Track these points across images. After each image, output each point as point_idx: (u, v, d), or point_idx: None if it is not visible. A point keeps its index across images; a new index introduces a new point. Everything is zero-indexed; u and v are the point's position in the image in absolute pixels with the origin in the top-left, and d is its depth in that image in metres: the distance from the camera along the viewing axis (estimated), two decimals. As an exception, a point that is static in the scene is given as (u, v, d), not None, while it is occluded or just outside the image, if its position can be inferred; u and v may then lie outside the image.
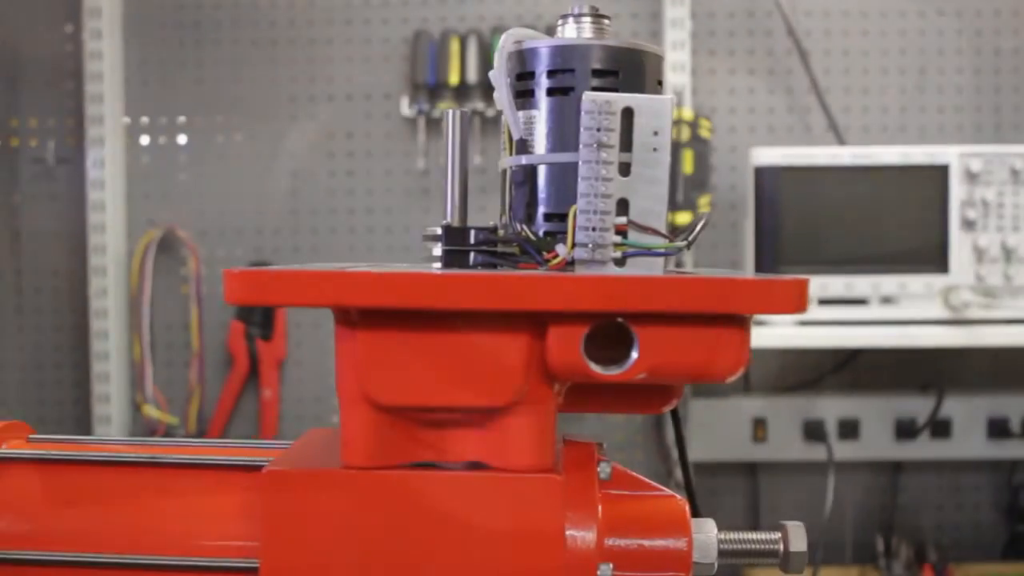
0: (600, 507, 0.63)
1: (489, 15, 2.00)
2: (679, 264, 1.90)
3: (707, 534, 0.64)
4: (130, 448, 0.69)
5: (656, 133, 0.59)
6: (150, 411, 2.00)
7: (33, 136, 2.05)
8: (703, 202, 1.84)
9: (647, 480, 0.67)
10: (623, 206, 0.59)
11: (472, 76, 1.94)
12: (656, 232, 0.59)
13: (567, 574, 0.59)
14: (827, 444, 1.85)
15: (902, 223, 1.66)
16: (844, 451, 1.88)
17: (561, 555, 0.58)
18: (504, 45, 0.63)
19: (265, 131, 2.03)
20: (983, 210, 1.64)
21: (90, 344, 1.97)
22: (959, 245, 1.64)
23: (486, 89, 1.92)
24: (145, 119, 2.04)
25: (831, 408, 1.89)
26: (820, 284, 1.65)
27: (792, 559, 0.66)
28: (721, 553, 0.65)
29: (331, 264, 0.62)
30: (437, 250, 0.61)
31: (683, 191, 1.83)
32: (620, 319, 0.54)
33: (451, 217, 0.61)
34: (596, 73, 0.61)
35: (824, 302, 1.65)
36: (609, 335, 0.55)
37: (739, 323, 0.53)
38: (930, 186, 1.65)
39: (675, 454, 1.89)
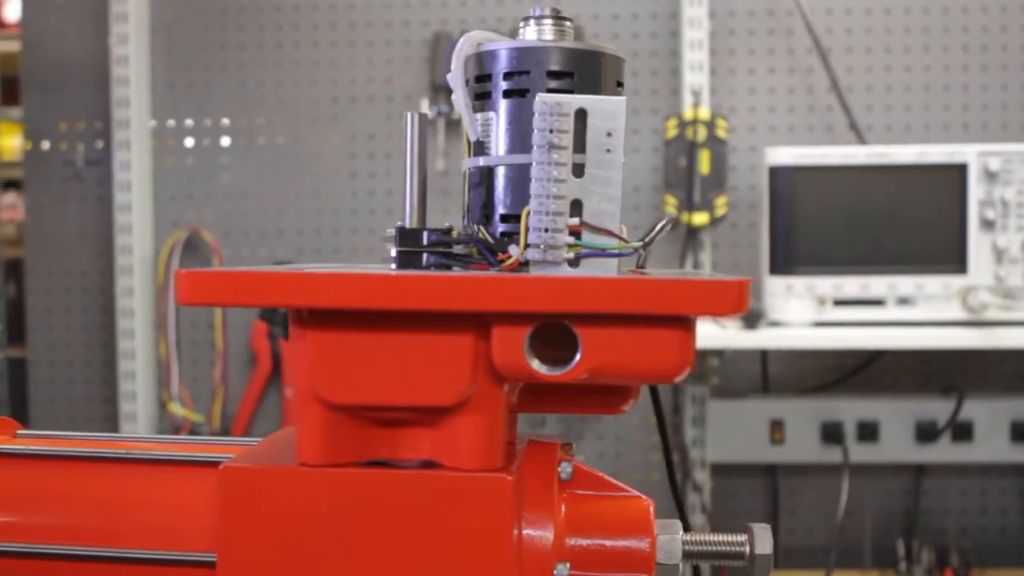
0: (563, 507, 0.64)
1: (507, 17, 2.00)
2: (697, 265, 1.90)
3: (672, 535, 0.64)
4: (111, 444, 0.71)
5: (610, 134, 0.59)
6: (176, 409, 2.04)
7: (63, 139, 2.09)
8: (720, 202, 1.83)
9: (612, 480, 0.67)
10: (577, 207, 0.59)
11: (490, 77, 1.95)
12: (609, 233, 0.59)
13: (521, 573, 0.59)
14: (843, 447, 1.83)
15: (919, 223, 1.64)
16: (863, 454, 1.86)
17: (512, 554, 0.58)
18: (461, 48, 0.63)
19: (289, 133, 2.06)
20: (1002, 210, 1.61)
21: (117, 343, 2.01)
22: (977, 245, 1.62)
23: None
24: (171, 122, 2.08)
25: (850, 410, 1.87)
26: (836, 285, 1.64)
27: (758, 562, 0.65)
28: (686, 555, 0.65)
29: (290, 265, 0.63)
30: (394, 251, 0.61)
31: (700, 191, 1.82)
32: (565, 320, 0.54)
33: (408, 219, 0.62)
34: (552, 75, 0.61)
35: (840, 303, 1.64)
36: (557, 336, 0.56)
37: (682, 324, 0.53)
38: (948, 185, 1.62)
39: (692, 455, 1.88)
